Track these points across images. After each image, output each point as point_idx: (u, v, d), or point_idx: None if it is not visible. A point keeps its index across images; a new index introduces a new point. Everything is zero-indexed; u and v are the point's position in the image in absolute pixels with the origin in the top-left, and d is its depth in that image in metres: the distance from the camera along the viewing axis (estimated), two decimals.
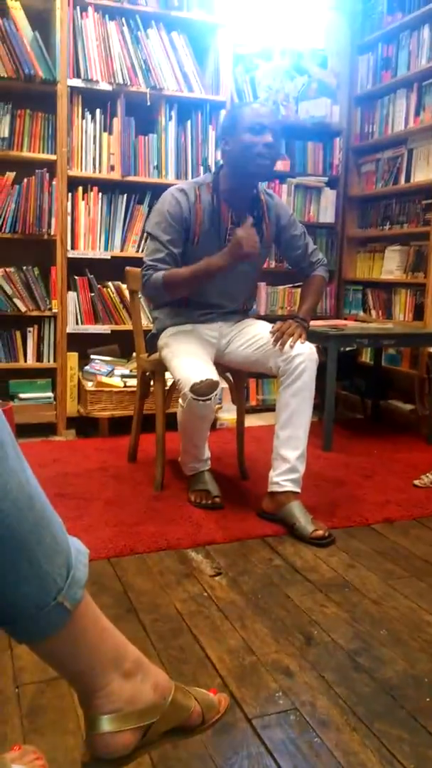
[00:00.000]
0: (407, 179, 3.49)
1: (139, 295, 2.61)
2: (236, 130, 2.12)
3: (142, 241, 3.23)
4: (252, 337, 2.27)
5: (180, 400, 2.11)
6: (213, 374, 2.07)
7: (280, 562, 1.87)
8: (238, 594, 1.68)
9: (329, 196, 3.82)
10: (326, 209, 3.83)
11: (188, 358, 2.14)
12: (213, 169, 2.38)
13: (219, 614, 1.58)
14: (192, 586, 1.72)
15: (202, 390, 2.02)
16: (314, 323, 3.29)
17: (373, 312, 3.80)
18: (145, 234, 2.28)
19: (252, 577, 1.77)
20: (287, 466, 2.10)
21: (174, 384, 2.49)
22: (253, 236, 2.04)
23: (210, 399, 2.05)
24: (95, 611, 0.83)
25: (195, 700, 0.94)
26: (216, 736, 1.16)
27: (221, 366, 2.41)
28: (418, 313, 3.43)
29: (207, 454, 2.36)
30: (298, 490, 2.12)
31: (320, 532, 2.00)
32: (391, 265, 3.62)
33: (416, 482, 2.52)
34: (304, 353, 2.09)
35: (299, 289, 3.81)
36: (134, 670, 0.86)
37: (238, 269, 2.21)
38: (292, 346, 2.10)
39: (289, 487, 2.10)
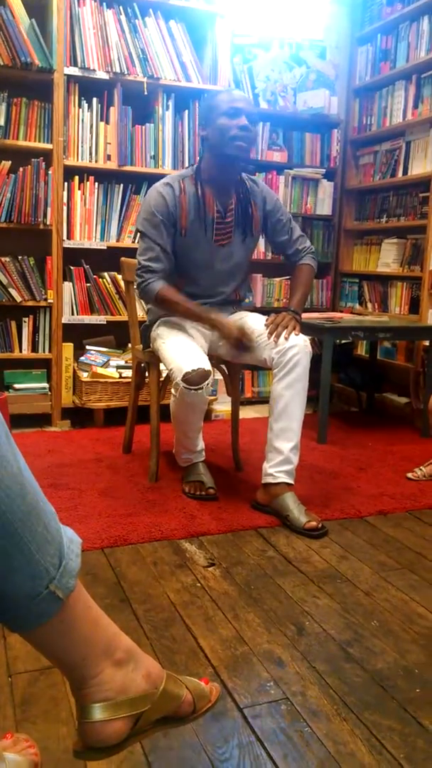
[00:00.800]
0: (405, 172, 3.48)
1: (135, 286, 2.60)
2: (212, 115, 2.17)
3: (135, 237, 3.22)
4: (247, 328, 2.26)
5: (172, 390, 2.12)
6: (205, 363, 2.08)
7: (273, 554, 1.88)
8: (231, 585, 1.69)
9: (326, 188, 3.81)
10: (323, 201, 3.82)
11: (180, 348, 2.15)
12: (197, 160, 2.44)
13: (212, 604, 1.58)
14: (185, 576, 1.72)
15: (194, 379, 2.03)
16: (310, 315, 3.29)
17: (369, 305, 3.80)
18: (137, 225, 2.29)
19: (245, 567, 1.78)
20: (281, 457, 2.11)
21: (169, 375, 2.49)
22: (247, 346, 2.15)
23: (202, 388, 2.05)
24: (87, 601, 0.84)
25: (186, 689, 0.95)
26: (207, 725, 1.17)
27: (216, 358, 2.41)
28: (414, 306, 3.43)
29: (201, 445, 2.36)
30: (292, 481, 2.13)
31: (313, 524, 2.01)
32: (387, 258, 3.61)
33: (410, 475, 2.53)
34: (298, 345, 2.10)
35: None
36: (126, 659, 0.87)
37: (228, 257, 2.30)
38: (287, 338, 2.11)
39: (283, 478, 2.11)
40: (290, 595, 1.65)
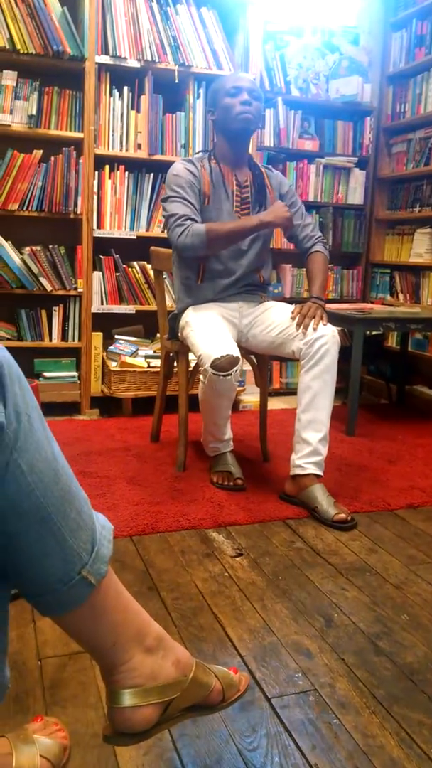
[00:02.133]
0: None
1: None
2: (218, 97, 2.29)
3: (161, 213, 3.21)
4: (273, 321, 2.26)
5: (201, 377, 2.12)
6: (234, 350, 2.07)
7: (301, 545, 1.87)
8: (259, 575, 1.68)
9: (358, 177, 3.76)
10: (355, 190, 3.77)
11: (209, 335, 2.14)
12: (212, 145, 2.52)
13: (240, 594, 1.58)
14: (213, 565, 1.72)
15: (223, 365, 2.02)
16: (340, 306, 3.26)
17: (401, 296, 3.75)
18: (164, 198, 2.30)
19: (273, 558, 1.78)
20: (309, 449, 2.09)
21: (197, 365, 2.48)
22: (286, 208, 2.23)
23: (231, 374, 2.04)
24: (119, 587, 0.84)
25: (216, 677, 0.95)
26: (235, 714, 1.16)
27: (243, 349, 2.40)
28: None
29: (229, 434, 2.35)
30: (321, 473, 2.11)
31: (342, 516, 1.99)
32: (420, 248, 3.56)
33: None
34: (326, 335, 2.08)
35: None
36: (156, 646, 0.87)
37: (250, 237, 2.33)
38: (315, 329, 2.09)
39: (312, 469, 2.09)
40: (318, 587, 1.64)
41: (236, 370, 2.06)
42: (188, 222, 2.19)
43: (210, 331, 2.16)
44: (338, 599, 1.58)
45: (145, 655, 0.85)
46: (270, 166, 2.48)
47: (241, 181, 2.35)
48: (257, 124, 2.31)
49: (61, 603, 0.77)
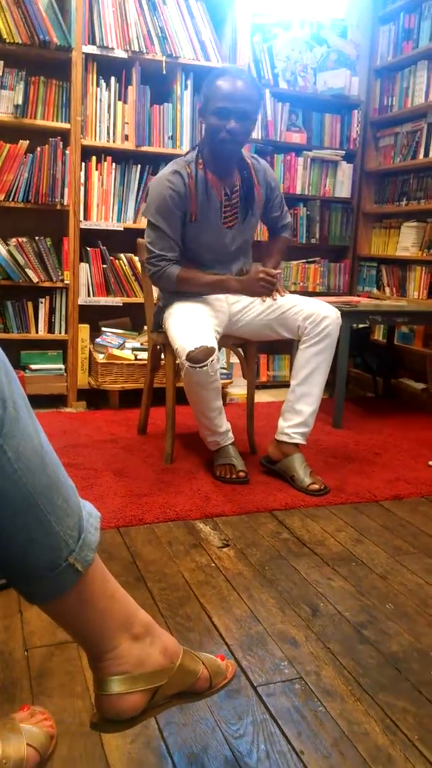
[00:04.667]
0: (426, 154, 3.42)
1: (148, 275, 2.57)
2: (207, 106, 2.19)
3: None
4: (270, 305, 2.32)
5: (182, 372, 2.13)
6: (209, 341, 2.08)
7: (287, 536, 1.88)
8: (246, 565, 1.69)
9: (346, 170, 3.76)
10: (342, 183, 3.77)
11: (185, 327, 2.16)
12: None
13: (226, 584, 1.59)
14: (200, 556, 1.73)
15: (198, 356, 2.04)
16: (327, 299, 3.27)
17: (387, 289, 3.77)
18: (146, 216, 2.30)
19: (259, 549, 1.78)
20: (300, 419, 2.22)
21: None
22: (271, 281, 2.25)
23: (206, 365, 2.04)
24: (106, 574, 0.84)
25: (203, 665, 0.95)
26: (221, 702, 1.17)
27: (236, 338, 2.42)
28: None
29: (225, 426, 2.32)
30: (305, 443, 2.27)
31: (317, 486, 2.15)
32: (406, 242, 3.57)
33: (431, 463, 2.51)
34: (331, 317, 2.21)
35: (313, 265, 3.79)
36: (143, 634, 0.87)
37: (235, 238, 2.37)
38: (282, 295, 2.27)
39: (297, 439, 2.24)
40: (305, 576, 1.65)
41: (212, 361, 2.06)
42: (163, 263, 2.24)
43: (188, 324, 2.18)
44: (324, 589, 1.59)
45: (132, 642, 0.85)
46: (256, 156, 2.46)
47: (229, 190, 2.31)
48: (242, 145, 2.26)
49: (48, 590, 0.77)
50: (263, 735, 1.10)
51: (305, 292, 3.73)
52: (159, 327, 2.44)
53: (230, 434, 2.35)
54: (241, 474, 2.25)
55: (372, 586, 1.62)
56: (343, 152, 3.73)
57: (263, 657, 1.31)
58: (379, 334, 3.83)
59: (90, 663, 0.86)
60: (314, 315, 2.20)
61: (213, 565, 1.69)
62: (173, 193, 2.22)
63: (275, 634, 1.39)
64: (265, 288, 2.26)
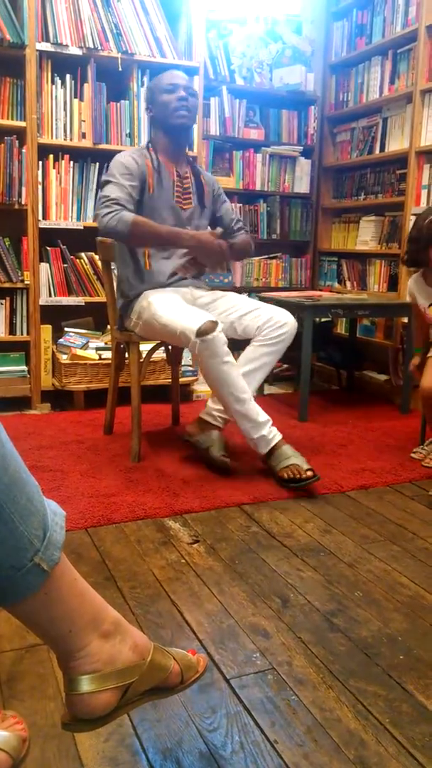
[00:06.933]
0: (382, 149, 3.47)
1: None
2: (155, 95, 2.40)
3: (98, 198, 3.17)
4: (234, 304, 2.39)
5: (196, 353, 2.10)
6: (210, 316, 2.13)
7: (256, 529, 1.89)
8: (216, 560, 1.69)
9: (304, 166, 3.79)
10: (301, 179, 3.80)
11: (179, 312, 2.18)
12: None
13: (197, 580, 1.59)
14: (170, 553, 1.73)
15: (208, 329, 2.08)
16: (289, 294, 3.29)
17: (348, 283, 3.81)
18: (102, 183, 2.33)
19: (229, 543, 1.79)
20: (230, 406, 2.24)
21: (149, 355, 2.48)
22: (222, 243, 2.28)
23: (217, 334, 2.08)
24: (73, 573, 0.83)
25: (174, 660, 0.95)
26: (195, 696, 1.17)
27: None
28: (393, 283, 3.44)
29: (264, 415, 2.21)
30: (223, 427, 2.36)
31: (227, 460, 2.25)
32: (365, 236, 3.62)
33: (413, 455, 2.51)
34: (290, 323, 2.29)
35: (274, 260, 3.82)
36: (113, 631, 0.87)
37: (190, 220, 2.46)
38: (226, 269, 2.44)
39: (220, 423, 2.34)
40: (274, 568, 1.66)
41: (220, 331, 2.09)
42: (118, 207, 2.22)
43: (178, 308, 2.21)
44: (294, 580, 1.60)
45: (102, 640, 0.85)
46: (201, 167, 2.66)
47: (180, 174, 2.45)
48: (193, 119, 2.45)
49: (14, 590, 0.76)
50: (237, 727, 1.11)
51: (268, 288, 3.76)
52: (123, 324, 2.43)
53: (275, 429, 2.23)
54: (309, 473, 2.12)
55: (341, 574, 1.64)
56: (301, 148, 3.76)
57: (235, 650, 1.32)
58: (341, 328, 3.87)
59: (60, 663, 0.85)
60: (274, 319, 2.28)
61: (183, 561, 1.69)
62: (133, 161, 2.33)
63: (246, 627, 1.40)
64: (220, 250, 2.26)
